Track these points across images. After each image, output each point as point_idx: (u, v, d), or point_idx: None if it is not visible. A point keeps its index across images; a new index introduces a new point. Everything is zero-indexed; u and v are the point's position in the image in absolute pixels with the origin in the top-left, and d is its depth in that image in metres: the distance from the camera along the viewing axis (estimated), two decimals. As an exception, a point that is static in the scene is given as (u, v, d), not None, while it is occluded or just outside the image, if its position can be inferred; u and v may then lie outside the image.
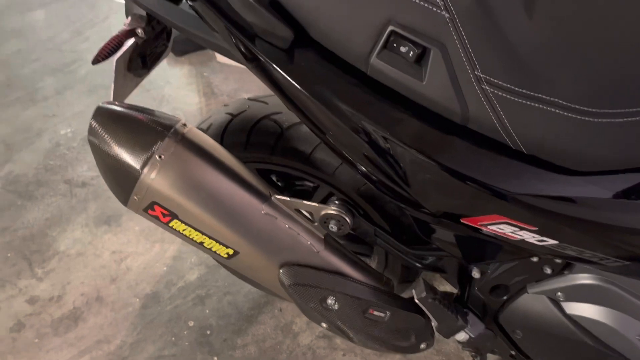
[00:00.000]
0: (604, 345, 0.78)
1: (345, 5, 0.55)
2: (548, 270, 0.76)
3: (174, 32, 0.91)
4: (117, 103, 0.77)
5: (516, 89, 0.51)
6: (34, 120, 2.01)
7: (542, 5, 0.49)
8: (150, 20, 0.84)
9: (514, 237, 0.63)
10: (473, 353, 1.00)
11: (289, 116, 0.95)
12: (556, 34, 0.49)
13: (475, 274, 0.85)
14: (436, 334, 0.93)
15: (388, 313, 0.88)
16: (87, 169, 1.81)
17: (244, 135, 0.96)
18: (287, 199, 0.81)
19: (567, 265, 0.75)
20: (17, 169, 1.81)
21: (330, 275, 0.85)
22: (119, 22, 0.80)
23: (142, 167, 0.72)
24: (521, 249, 0.67)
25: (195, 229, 0.78)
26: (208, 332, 1.37)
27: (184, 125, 0.77)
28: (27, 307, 1.42)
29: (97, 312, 1.41)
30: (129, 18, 0.83)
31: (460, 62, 0.52)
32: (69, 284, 1.47)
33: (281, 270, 0.84)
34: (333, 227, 0.85)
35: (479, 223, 0.64)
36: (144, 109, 0.77)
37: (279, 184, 1.14)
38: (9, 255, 1.54)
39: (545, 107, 0.51)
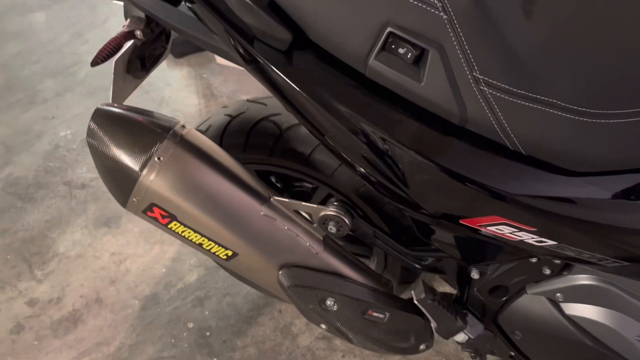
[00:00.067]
0: (603, 346, 0.78)
1: (343, 7, 0.55)
2: (547, 271, 0.76)
3: (173, 34, 0.91)
4: (115, 105, 0.77)
5: (514, 90, 0.51)
6: (33, 123, 2.01)
7: (540, 6, 0.49)
8: (149, 22, 0.84)
9: (513, 238, 0.63)
10: (472, 354, 1.00)
11: (287, 117, 0.95)
12: (554, 35, 0.49)
13: (475, 275, 0.85)
14: (435, 335, 0.93)
15: (387, 314, 0.88)
16: (87, 170, 1.81)
17: (242, 136, 0.96)
18: (286, 200, 0.81)
19: (566, 266, 0.75)
20: (17, 171, 1.81)
21: (329, 277, 0.85)
22: (119, 24, 0.80)
23: (141, 168, 0.72)
24: (520, 250, 0.67)
25: (194, 231, 0.78)
26: (207, 334, 1.37)
27: (183, 126, 0.77)
28: (26, 309, 1.42)
29: (97, 314, 1.41)
30: (128, 20, 0.83)
31: (458, 63, 0.52)
32: (68, 285, 1.47)
33: (280, 272, 0.84)
34: (332, 228, 0.85)
35: (477, 224, 0.64)
36: (142, 110, 0.77)
37: (278, 185, 1.14)
38: (8, 257, 1.54)
39: (543, 108, 0.51)
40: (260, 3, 0.58)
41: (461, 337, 0.92)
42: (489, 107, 0.53)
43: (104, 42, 0.83)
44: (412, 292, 0.87)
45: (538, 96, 0.51)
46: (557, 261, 0.75)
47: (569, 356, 0.85)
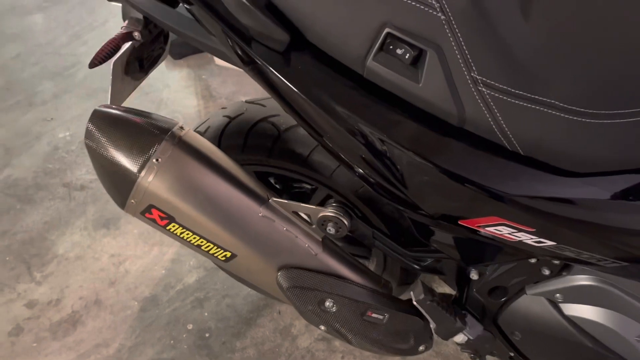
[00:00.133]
0: (602, 347, 0.78)
1: (341, 8, 0.55)
2: (546, 272, 0.76)
3: (171, 36, 0.91)
4: (113, 106, 0.77)
5: (513, 90, 0.51)
6: (32, 124, 2.01)
7: (538, 6, 0.49)
8: (147, 23, 0.84)
9: (511, 238, 0.63)
10: (472, 355, 1.00)
11: (286, 119, 0.95)
12: (553, 36, 0.49)
13: (474, 275, 0.85)
14: (435, 336, 0.93)
15: (386, 315, 0.88)
16: (86, 172, 1.81)
17: (241, 137, 0.96)
18: (285, 201, 0.81)
19: (566, 267, 0.75)
20: (16, 173, 1.81)
21: (328, 278, 0.85)
22: (118, 25, 0.80)
23: (139, 170, 0.72)
24: (519, 251, 0.67)
25: (193, 232, 0.78)
26: (207, 335, 1.36)
27: (181, 128, 0.77)
28: (25, 311, 1.41)
29: (96, 316, 1.41)
30: (126, 21, 0.83)
31: (456, 63, 0.52)
32: (67, 287, 1.47)
33: (279, 273, 0.84)
34: (331, 229, 0.85)
35: (476, 225, 0.64)
36: (141, 112, 0.77)
37: (277, 186, 1.14)
38: (7, 259, 1.54)
39: (542, 109, 0.51)
40: (257, 4, 0.58)
41: (460, 338, 0.92)
42: (487, 107, 0.53)
43: (103, 44, 0.83)
44: (411, 293, 0.87)
45: (536, 97, 0.51)
46: (556, 262, 0.75)
47: (569, 357, 0.85)
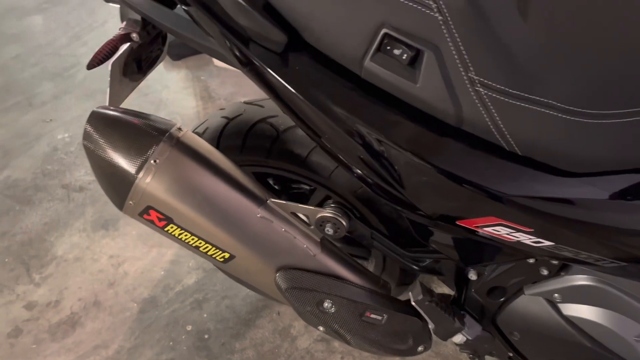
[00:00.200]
0: (601, 347, 0.78)
1: (338, 8, 0.55)
2: (545, 272, 0.76)
3: (170, 37, 0.91)
4: (111, 108, 0.77)
5: (510, 90, 0.51)
6: (32, 125, 2.01)
7: (536, 6, 0.49)
8: (146, 24, 0.83)
9: (510, 238, 0.63)
10: (471, 355, 1.00)
11: (284, 119, 0.95)
12: (550, 36, 0.49)
13: (472, 276, 0.85)
14: (434, 336, 0.93)
15: (385, 316, 0.88)
16: (85, 173, 1.81)
17: (239, 138, 0.96)
18: (283, 202, 0.81)
19: (564, 267, 0.75)
20: (15, 174, 1.81)
21: (326, 279, 0.85)
22: (118, 26, 0.80)
23: (137, 171, 0.72)
24: (518, 251, 0.67)
25: (191, 233, 0.78)
26: (206, 337, 1.36)
27: (179, 129, 0.77)
28: (24, 313, 1.41)
29: (95, 317, 1.40)
30: (124, 23, 0.83)
31: (453, 64, 0.52)
32: (66, 289, 1.47)
33: (278, 274, 0.84)
34: (329, 230, 0.85)
35: (474, 225, 0.64)
36: (139, 113, 0.77)
37: (276, 187, 1.14)
38: (6, 260, 1.54)
39: (539, 109, 0.51)
40: (255, 5, 0.58)
41: (459, 338, 0.92)
42: (485, 108, 0.53)
43: (101, 45, 0.83)
44: (410, 293, 0.87)
45: (534, 97, 0.51)
46: (555, 262, 0.75)
47: (567, 357, 0.85)
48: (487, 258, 0.80)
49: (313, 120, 0.64)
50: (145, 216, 0.76)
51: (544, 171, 0.55)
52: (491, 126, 0.54)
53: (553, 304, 0.79)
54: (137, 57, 0.88)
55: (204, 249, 0.80)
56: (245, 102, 1.02)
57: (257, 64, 0.62)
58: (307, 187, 1.10)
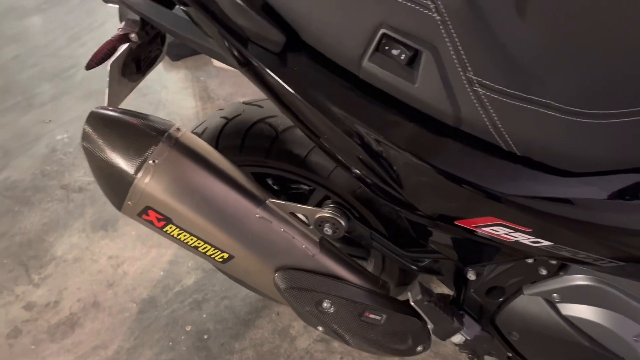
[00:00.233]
0: (600, 346, 0.78)
1: (336, 8, 0.55)
2: (543, 272, 0.76)
3: (169, 37, 0.91)
4: (110, 108, 0.76)
5: (508, 90, 0.51)
6: (31, 126, 2.01)
7: (534, 6, 0.49)
8: (144, 25, 0.83)
9: (508, 238, 0.63)
10: (470, 355, 1.00)
11: (283, 120, 0.95)
12: (549, 36, 0.49)
13: (471, 276, 0.85)
14: (434, 336, 0.93)
15: (384, 316, 0.88)
16: (84, 174, 1.81)
17: (238, 138, 0.96)
18: (282, 202, 0.81)
19: (563, 267, 0.75)
20: (14, 175, 1.81)
21: (325, 279, 0.85)
22: (117, 27, 0.81)
23: (136, 172, 0.72)
24: (516, 251, 0.67)
25: (190, 234, 0.78)
26: (205, 337, 1.36)
27: (178, 129, 0.77)
28: (23, 313, 1.41)
29: (94, 318, 1.40)
30: (123, 23, 0.83)
31: (452, 64, 0.51)
32: (65, 289, 1.47)
33: (276, 274, 0.84)
34: (328, 230, 0.85)
35: (473, 225, 0.64)
36: (137, 113, 0.77)
37: (275, 187, 1.14)
38: (5, 261, 1.54)
39: (538, 109, 0.51)
40: (253, 5, 0.58)
41: (458, 338, 0.92)
42: (483, 108, 0.53)
43: (100, 46, 0.83)
44: (409, 293, 0.87)
45: (532, 97, 0.51)
46: (553, 262, 0.75)
47: (566, 357, 0.85)
48: (486, 258, 0.80)
49: (311, 121, 0.64)
50: (144, 216, 0.76)
51: (542, 171, 0.55)
52: (489, 126, 0.54)
53: (552, 304, 0.79)
54: (135, 58, 0.88)
55: (202, 249, 0.80)
56: (244, 103, 1.02)
57: (256, 64, 0.62)
58: (306, 188, 1.10)
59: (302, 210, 0.83)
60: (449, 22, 0.50)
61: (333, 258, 0.86)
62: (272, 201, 0.81)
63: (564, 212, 0.56)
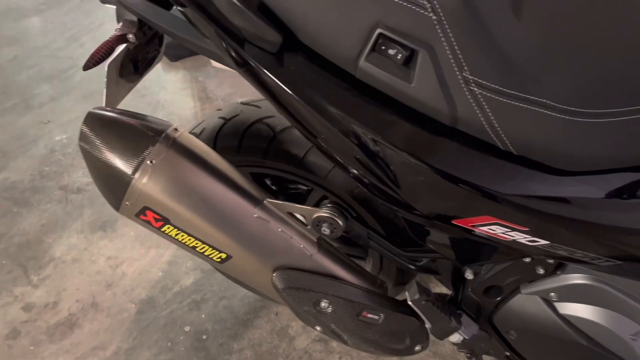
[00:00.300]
0: (597, 345, 0.78)
1: (333, 8, 0.55)
2: (541, 271, 0.76)
3: (167, 38, 0.91)
4: (108, 108, 0.76)
5: (505, 90, 0.51)
6: (29, 127, 2.01)
7: (530, 6, 0.49)
8: (142, 25, 0.83)
9: (505, 237, 0.63)
10: (468, 354, 1.00)
11: (281, 120, 0.95)
12: (545, 35, 0.50)
13: (469, 275, 0.85)
14: (432, 336, 0.93)
15: (382, 315, 0.88)
16: (82, 174, 1.81)
17: (236, 139, 0.96)
18: (279, 202, 0.81)
19: (560, 266, 0.75)
20: (12, 176, 1.81)
21: (323, 278, 0.85)
22: (114, 28, 0.81)
23: (134, 172, 0.72)
24: (514, 250, 0.67)
25: (188, 234, 0.78)
26: (204, 337, 1.36)
27: (176, 129, 0.77)
28: (22, 314, 1.41)
29: (93, 318, 1.40)
30: (120, 23, 0.83)
31: (448, 64, 0.52)
32: (64, 290, 1.47)
33: (274, 274, 0.84)
34: (325, 230, 0.85)
35: (470, 224, 0.64)
36: (135, 114, 0.77)
37: (273, 187, 1.14)
38: (4, 262, 1.54)
39: (534, 108, 0.51)
40: (250, 5, 0.58)
41: (456, 337, 0.92)
42: (480, 107, 0.53)
43: (97, 46, 0.83)
44: (407, 293, 0.87)
45: (529, 96, 0.51)
46: (551, 261, 0.75)
47: (564, 356, 0.85)
48: (483, 257, 0.80)
49: (308, 121, 0.64)
50: (141, 217, 0.76)
51: (539, 170, 0.55)
52: (486, 126, 0.54)
53: (549, 303, 0.79)
54: (133, 58, 0.88)
55: (200, 249, 0.80)
56: (242, 103, 1.02)
57: (253, 64, 0.62)
58: (304, 188, 1.10)
59: (300, 210, 0.83)
60: (445, 22, 0.50)
61: (331, 258, 0.86)
62: (269, 201, 0.81)
63: (560, 211, 0.56)
